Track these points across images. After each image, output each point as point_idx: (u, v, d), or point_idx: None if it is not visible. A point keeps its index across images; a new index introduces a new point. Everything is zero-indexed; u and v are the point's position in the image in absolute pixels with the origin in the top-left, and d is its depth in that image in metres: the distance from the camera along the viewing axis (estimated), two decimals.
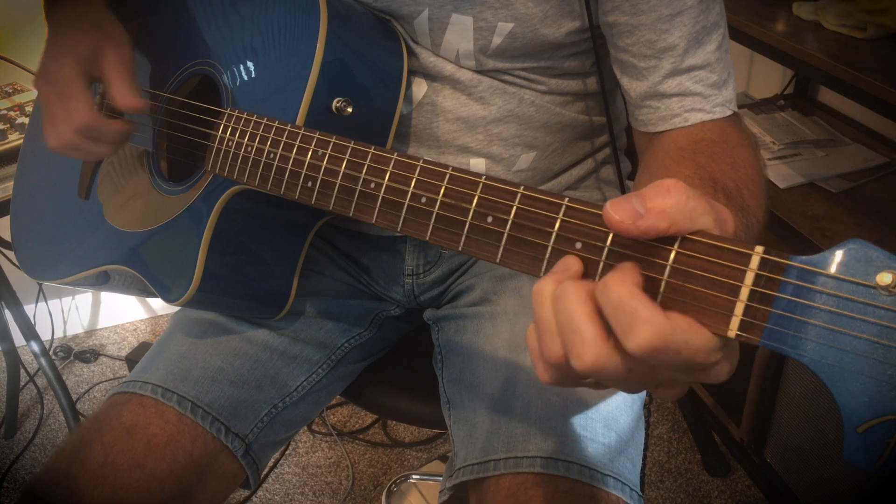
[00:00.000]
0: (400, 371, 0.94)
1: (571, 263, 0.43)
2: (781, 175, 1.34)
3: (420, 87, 0.77)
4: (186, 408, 0.75)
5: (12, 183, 1.19)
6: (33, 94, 1.39)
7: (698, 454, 1.54)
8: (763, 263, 0.37)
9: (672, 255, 0.40)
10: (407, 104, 0.77)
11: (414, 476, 1.48)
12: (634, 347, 0.38)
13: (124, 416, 0.74)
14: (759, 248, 0.38)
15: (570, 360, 0.40)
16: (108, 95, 0.73)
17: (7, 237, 1.39)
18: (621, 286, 0.39)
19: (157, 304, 2.07)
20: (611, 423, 0.70)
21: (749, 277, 0.38)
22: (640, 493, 0.69)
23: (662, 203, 0.39)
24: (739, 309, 0.38)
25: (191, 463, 0.74)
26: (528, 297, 0.80)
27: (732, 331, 0.38)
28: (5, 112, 1.32)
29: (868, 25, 1.15)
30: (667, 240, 0.40)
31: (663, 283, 0.40)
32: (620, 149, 0.88)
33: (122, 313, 2.06)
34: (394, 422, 1.67)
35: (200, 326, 0.82)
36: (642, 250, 0.41)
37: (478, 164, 0.79)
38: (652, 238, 0.40)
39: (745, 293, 0.38)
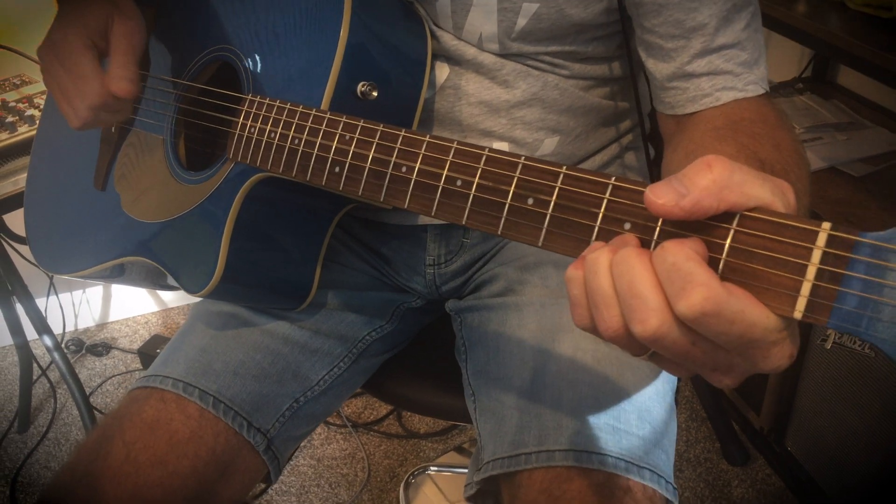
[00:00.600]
0: (421, 363, 0.92)
1: (628, 239, 0.41)
2: None
3: (442, 71, 0.75)
4: (208, 403, 0.73)
5: (24, 176, 1.18)
6: (41, 85, 1.37)
7: (717, 443, 1.53)
8: (830, 240, 0.35)
9: (731, 234, 0.38)
10: (430, 88, 0.75)
11: (432, 468, 1.47)
12: (685, 309, 0.36)
13: (145, 411, 0.73)
14: (826, 225, 0.36)
15: (631, 328, 0.38)
16: (108, 73, 0.71)
17: (17, 231, 1.39)
18: (678, 249, 0.37)
19: (169, 297, 2.06)
20: (644, 414, 0.68)
21: (816, 255, 0.36)
22: (675, 487, 0.68)
23: (705, 180, 0.37)
24: (806, 289, 0.36)
25: (213, 459, 0.72)
26: (554, 287, 0.79)
27: (799, 312, 0.36)
28: (14, 104, 1.31)
29: (894, 5, 1.13)
30: (725, 218, 0.39)
31: (722, 262, 0.38)
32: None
33: (133, 306, 2.04)
34: (409, 413, 1.65)
35: (221, 319, 0.81)
36: (698, 229, 0.39)
37: (501, 147, 0.77)
38: (701, 218, 0.38)
39: (811, 272, 0.36)
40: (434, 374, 0.91)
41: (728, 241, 0.38)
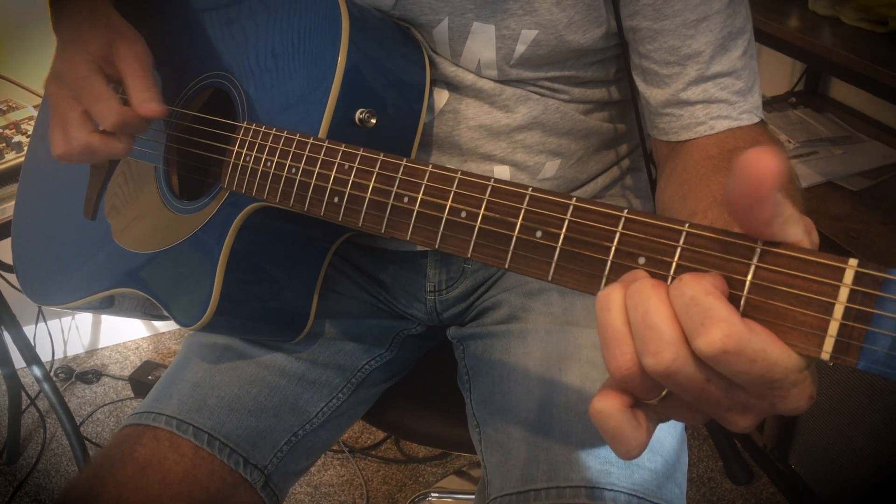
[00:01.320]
0: (422, 391, 0.90)
1: (640, 275, 0.39)
2: (799, 174, 1.31)
3: (441, 96, 0.73)
4: (203, 440, 0.71)
5: (11, 204, 1.16)
6: (29, 111, 1.35)
7: (720, 461, 1.51)
8: (858, 278, 0.34)
9: (751, 270, 0.37)
10: (429, 112, 0.73)
11: (433, 494, 1.45)
12: (704, 346, 0.34)
13: (137, 450, 0.70)
14: (853, 261, 0.34)
15: (643, 361, 0.36)
16: (128, 97, 0.68)
17: (4, 259, 1.36)
18: (697, 283, 0.35)
19: (160, 322, 2.03)
20: (656, 446, 0.67)
21: (843, 293, 0.34)
22: None
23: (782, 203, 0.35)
24: (834, 328, 0.34)
25: (208, 498, 0.70)
26: (558, 314, 0.77)
27: (826, 353, 0.34)
28: (1, 130, 1.28)
29: (889, 20, 1.13)
30: (745, 253, 0.37)
31: (743, 299, 0.37)
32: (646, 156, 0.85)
33: (123, 332, 2.01)
34: None
35: (215, 352, 0.79)
36: (717, 265, 0.38)
37: (502, 171, 0.76)
38: (762, 220, 0.35)
39: (839, 311, 0.34)
40: (436, 402, 0.89)
41: (749, 277, 0.37)
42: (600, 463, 0.64)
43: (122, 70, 0.68)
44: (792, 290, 0.36)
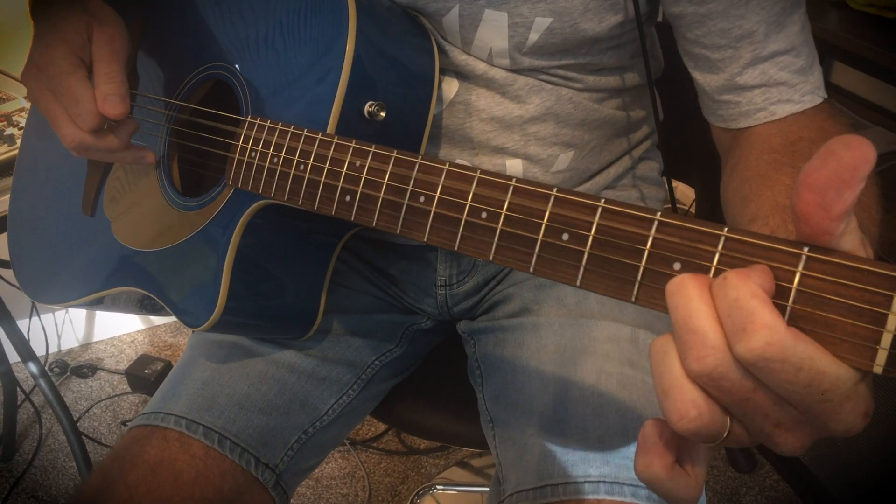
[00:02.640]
0: (433, 387, 0.89)
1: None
2: None
3: (451, 86, 0.71)
4: (213, 440, 0.70)
5: (5, 198, 1.13)
6: (20, 103, 1.32)
7: (723, 450, 1.51)
8: None
9: (797, 277, 0.35)
10: (438, 104, 0.71)
11: (437, 486, 1.44)
12: (744, 352, 0.32)
13: (147, 452, 0.69)
14: None
15: (685, 364, 0.34)
16: (95, 89, 0.66)
17: (0, 255, 1.33)
18: (742, 283, 0.33)
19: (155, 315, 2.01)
20: None
21: None
22: None
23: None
24: (887, 340, 0.33)
25: (220, 499, 0.69)
26: (571, 306, 0.76)
27: (879, 366, 0.33)
28: None
29: None
30: (789, 260, 0.36)
31: (788, 309, 0.35)
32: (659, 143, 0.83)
33: (118, 325, 1.99)
34: None
35: (223, 350, 0.77)
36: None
37: (514, 165, 0.74)
38: (834, 214, 0.32)
39: (892, 322, 0.33)
40: (446, 398, 0.87)
41: (795, 284, 0.35)
42: (619, 457, 0.63)
43: (94, 55, 0.66)
44: (841, 300, 0.34)
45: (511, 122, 0.72)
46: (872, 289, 0.33)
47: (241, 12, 0.70)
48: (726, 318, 0.34)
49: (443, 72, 0.71)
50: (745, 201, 0.59)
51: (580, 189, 0.78)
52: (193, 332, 0.80)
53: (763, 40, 0.62)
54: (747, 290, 0.33)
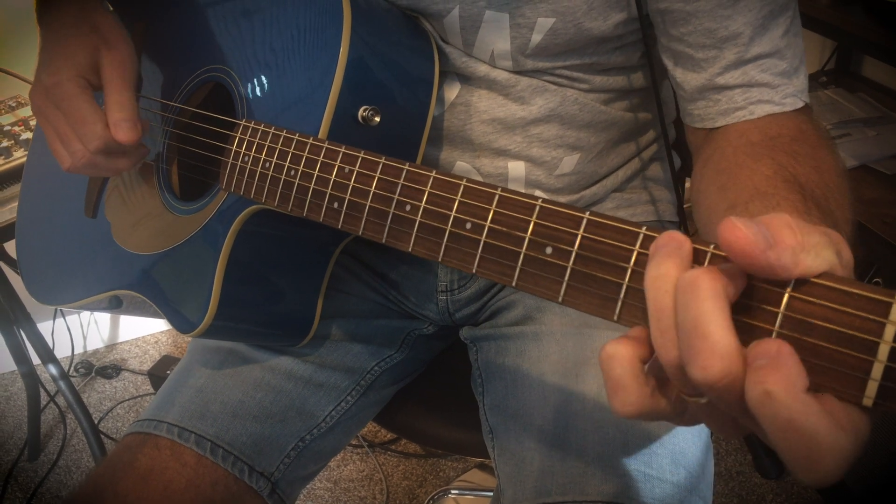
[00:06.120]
0: (435, 393, 0.87)
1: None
2: None
3: (452, 88, 0.69)
4: (205, 448, 0.69)
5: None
6: None
7: (749, 455, 1.46)
8: None
9: (784, 300, 0.33)
10: (439, 105, 0.69)
11: (452, 491, 1.42)
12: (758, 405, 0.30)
13: (139, 460, 0.68)
14: None
15: (688, 370, 0.32)
16: (106, 117, 0.66)
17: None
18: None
19: None
20: (679, 457, 0.63)
21: (889, 332, 0.30)
22: None
23: (791, 239, 0.31)
24: (878, 371, 0.30)
25: None
26: (575, 315, 0.73)
27: (869, 398, 0.30)
28: (9, 128, 1.26)
29: None
30: (776, 281, 0.33)
31: (774, 334, 0.33)
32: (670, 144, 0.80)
33: (142, 326, 2.01)
34: None
35: (218, 356, 0.76)
36: (745, 292, 0.34)
37: (517, 167, 0.72)
38: (772, 276, 0.32)
39: (883, 351, 0.30)
40: (448, 405, 0.86)
41: (781, 308, 0.33)
42: (618, 476, 0.61)
43: (104, 81, 0.66)
44: (829, 326, 0.31)
45: (513, 124, 0.70)
46: (863, 314, 0.31)
47: (238, 16, 0.69)
48: None
49: (444, 74, 0.69)
50: (722, 189, 0.56)
51: (587, 192, 0.76)
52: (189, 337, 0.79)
53: (748, 43, 0.60)
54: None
